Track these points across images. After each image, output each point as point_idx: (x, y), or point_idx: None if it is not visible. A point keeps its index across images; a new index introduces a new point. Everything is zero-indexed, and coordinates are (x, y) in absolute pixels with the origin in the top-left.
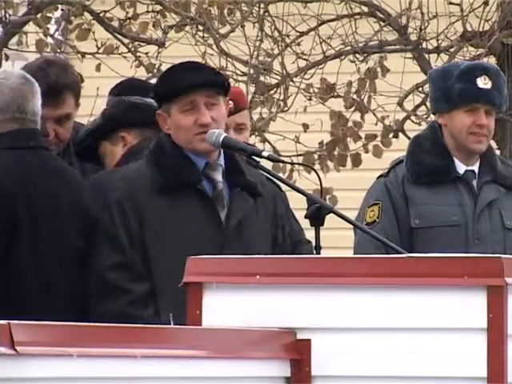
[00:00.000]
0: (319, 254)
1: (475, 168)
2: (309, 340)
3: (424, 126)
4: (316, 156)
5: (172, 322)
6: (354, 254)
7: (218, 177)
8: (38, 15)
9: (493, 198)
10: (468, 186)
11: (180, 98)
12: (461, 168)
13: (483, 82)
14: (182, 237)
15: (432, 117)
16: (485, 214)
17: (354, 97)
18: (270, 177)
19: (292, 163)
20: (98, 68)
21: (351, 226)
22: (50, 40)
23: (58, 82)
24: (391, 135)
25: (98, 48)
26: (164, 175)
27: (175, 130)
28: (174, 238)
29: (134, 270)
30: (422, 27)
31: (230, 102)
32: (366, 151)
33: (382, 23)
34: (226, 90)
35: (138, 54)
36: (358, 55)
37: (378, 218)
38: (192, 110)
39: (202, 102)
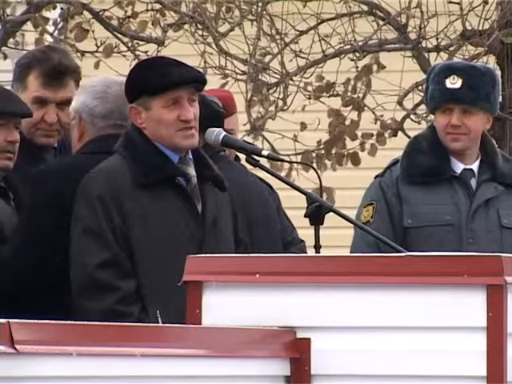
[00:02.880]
0: (319, 252)
1: (474, 167)
2: (308, 339)
3: (424, 124)
4: (314, 154)
5: (160, 319)
6: (350, 252)
7: (192, 171)
8: (37, 14)
9: (490, 197)
10: (464, 185)
11: (166, 93)
12: (458, 167)
13: (451, 82)
14: (166, 231)
15: (431, 116)
16: (480, 213)
17: (352, 94)
18: (270, 175)
19: (291, 162)
20: (96, 65)
21: (351, 225)
22: (49, 39)
23: (61, 64)
24: (387, 134)
25: (98, 47)
26: (143, 170)
27: (154, 125)
28: (159, 233)
29: (122, 267)
30: (422, 26)
31: None
32: (363, 149)
33: (382, 22)
34: (203, 87)
35: (138, 52)
36: (357, 54)
37: (371, 218)
38: (175, 105)
39: (185, 98)
